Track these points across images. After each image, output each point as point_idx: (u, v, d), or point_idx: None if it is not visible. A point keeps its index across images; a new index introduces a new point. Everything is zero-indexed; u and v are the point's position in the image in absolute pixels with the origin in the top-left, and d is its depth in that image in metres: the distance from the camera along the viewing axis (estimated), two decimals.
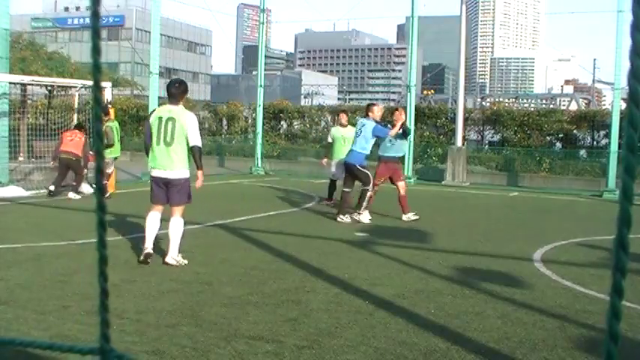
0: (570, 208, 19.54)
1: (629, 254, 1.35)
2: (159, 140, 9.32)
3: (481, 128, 34.56)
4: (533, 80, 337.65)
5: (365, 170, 14.38)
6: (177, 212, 9.52)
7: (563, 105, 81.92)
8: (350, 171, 14.60)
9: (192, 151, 9.37)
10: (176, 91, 9.43)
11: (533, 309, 7.41)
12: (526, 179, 28.66)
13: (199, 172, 9.76)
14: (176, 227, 9.42)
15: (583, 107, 68.16)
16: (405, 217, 15.04)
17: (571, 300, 7.92)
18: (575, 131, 32.72)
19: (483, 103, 66.08)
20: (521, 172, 29.38)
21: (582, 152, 32.21)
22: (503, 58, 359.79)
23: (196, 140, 9.36)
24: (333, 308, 7.22)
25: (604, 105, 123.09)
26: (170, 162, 9.35)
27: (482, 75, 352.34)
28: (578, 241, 12.73)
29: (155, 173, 9.50)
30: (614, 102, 25.84)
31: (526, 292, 8.21)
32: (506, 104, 62.87)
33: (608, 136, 27.61)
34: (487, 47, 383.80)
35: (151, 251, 9.35)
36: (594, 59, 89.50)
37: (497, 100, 66.87)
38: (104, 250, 1.39)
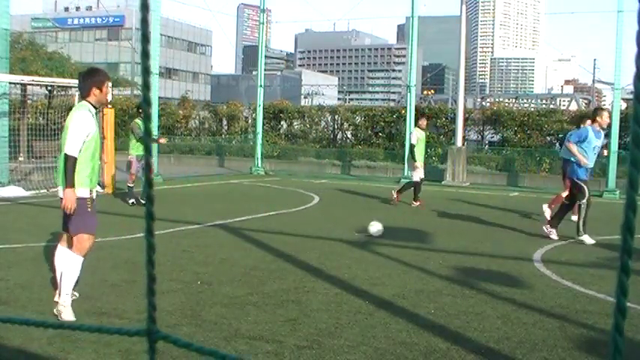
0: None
1: (634, 239, 1.39)
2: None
3: (481, 128, 34.55)
4: (533, 80, 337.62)
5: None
6: (73, 243, 7.06)
7: (564, 105, 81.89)
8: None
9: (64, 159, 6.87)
10: (81, 84, 7.22)
11: (533, 309, 7.41)
12: (526, 179, 28.67)
13: (66, 190, 6.81)
14: (63, 261, 7.04)
15: (583, 107, 68.13)
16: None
17: (571, 300, 7.92)
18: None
19: (483, 103, 66.01)
20: (522, 172, 29.39)
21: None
22: (503, 58, 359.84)
23: (69, 147, 6.82)
24: (333, 308, 7.22)
25: (604, 105, 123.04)
26: (58, 176, 7.16)
27: (482, 75, 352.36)
28: (577, 241, 12.72)
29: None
30: (614, 102, 25.86)
31: (526, 292, 8.21)
32: (506, 104, 62.85)
33: (608, 136, 27.60)
34: (487, 47, 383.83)
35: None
36: (594, 59, 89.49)
37: (497, 100, 66.78)
38: (152, 239, 1.43)
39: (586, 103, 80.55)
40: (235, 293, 7.76)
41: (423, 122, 18.77)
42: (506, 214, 17.54)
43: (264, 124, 31.45)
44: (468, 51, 43.32)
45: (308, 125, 36.37)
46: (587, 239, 12.41)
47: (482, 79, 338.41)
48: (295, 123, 36.73)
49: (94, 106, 7.15)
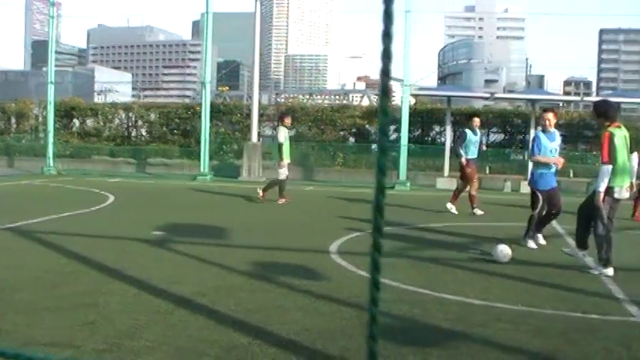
0: (362, 201, 20.15)
1: (383, 217, 1.52)
2: None
3: (276, 124, 34.96)
4: (326, 77, 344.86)
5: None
6: None
7: (356, 100, 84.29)
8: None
9: None
10: None
11: (331, 300, 7.59)
12: (321, 173, 29.33)
13: None
14: None
15: (375, 103, 70.47)
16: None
17: (366, 289, 8.16)
18: (367, 126, 33.79)
19: (278, 99, 66.93)
20: (317, 166, 30.03)
21: (374, 146, 33.32)
22: (297, 55, 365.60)
23: None
24: (131, 309, 7.08)
25: (394, 100, 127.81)
26: None
27: (276, 71, 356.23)
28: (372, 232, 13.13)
29: None
30: (403, 97, 26.87)
31: (324, 284, 8.40)
32: (301, 100, 64.00)
33: (398, 130, 28.70)
34: (282, 44, 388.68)
35: None
36: None
37: (291, 96, 67.87)
38: None
39: (377, 99, 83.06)
40: (29, 299, 7.44)
41: (289, 120, 19.85)
42: (302, 209, 17.86)
43: (55, 122, 30.36)
44: (262, 48, 43.76)
45: (101, 123, 35.48)
46: (531, 244, 12.24)
47: (276, 75, 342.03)
48: (88, 121, 35.74)
49: None
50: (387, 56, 1.76)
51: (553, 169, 12.28)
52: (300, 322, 6.73)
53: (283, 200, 18.45)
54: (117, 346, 5.87)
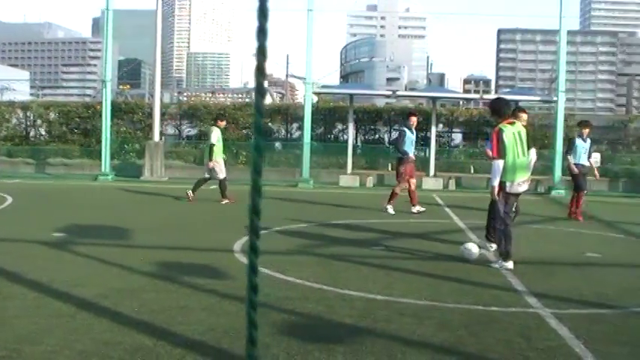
0: (268, 199, 20.13)
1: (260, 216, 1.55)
2: None
3: (178, 123, 34.73)
4: (229, 75, 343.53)
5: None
6: None
7: None
8: None
9: None
10: None
11: (236, 298, 7.56)
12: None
13: None
14: None
15: (277, 101, 70.52)
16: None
17: (272, 287, 8.18)
18: (270, 124, 33.83)
19: (180, 97, 66.34)
20: None
21: (277, 144, 33.43)
22: (199, 53, 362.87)
23: None
24: (32, 313, 6.91)
25: (297, 98, 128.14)
26: None
27: (179, 69, 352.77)
28: (277, 230, 13.18)
29: None
30: (305, 96, 26.99)
31: (228, 283, 8.38)
32: (203, 98, 63.54)
33: (301, 128, 28.83)
34: (184, 42, 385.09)
35: None
36: (287, 55, 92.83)
37: (194, 94, 67.40)
38: None
39: (280, 97, 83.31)
40: None
41: (223, 123, 19.84)
42: (206, 207, 17.76)
43: None
44: (164, 45, 43.31)
45: None
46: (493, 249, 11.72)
47: (179, 73, 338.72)
48: None
49: None
50: (262, 53, 1.76)
51: None
52: (205, 321, 6.70)
53: (226, 201, 18.28)
54: (17, 352, 5.73)
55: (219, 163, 18.60)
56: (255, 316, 1.46)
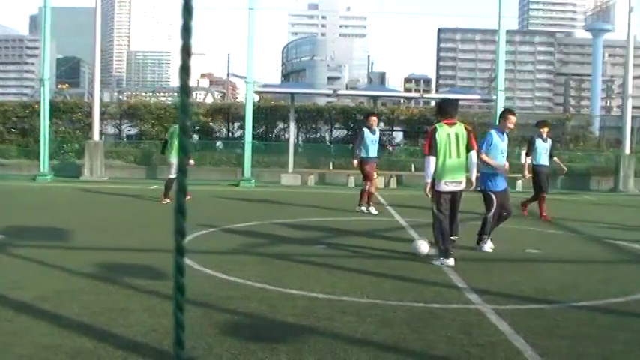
0: (209, 199, 20.08)
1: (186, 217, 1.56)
2: None
3: (118, 122, 34.39)
4: (169, 73, 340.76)
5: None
6: None
7: (200, 98, 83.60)
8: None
9: None
10: None
11: None
12: (165, 172, 28.92)
13: None
14: None
15: (218, 100, 70.18)
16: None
17: (214, 287, 8.15)
18: (211, 123, 33.71)
19: (120, 96, 65.60)
20: (160, 164, 29.63)
21: (219, 143, 33.32)
22: (140, 52, 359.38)
23: None
24: None
25: (238, 97, 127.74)
26: None
27: (119, 68, 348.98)
28: (219, 230, 13.14)
29: None
30: (247, 95, 26.94)
31: (169, 283, 8.23)
32: (144, 97, 62.98)
33: (242, 127, 28.76)
34: (124, 40, 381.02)
35: None
36: (228, 54, 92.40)
37: (134, 93, 66.73)
38: None
39: (221, 96, 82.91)
40: None
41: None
42: (146, 207, 17.61)
43: None
44: (104, 44, 42.89)
45: None
46: (487, 248, 11.79)
47: (119, 72, 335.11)
48: None
49: None
50: (186, 52, 1.75)
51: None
52: (146, 323, 6.64)
53: (167, 201, 18.08)
54: None
55: (174, 163, 18.40)
56: (182, 318, 1.46)
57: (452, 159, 10.34)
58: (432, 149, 10.30)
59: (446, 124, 10.46)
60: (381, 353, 5.91)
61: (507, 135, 12.20)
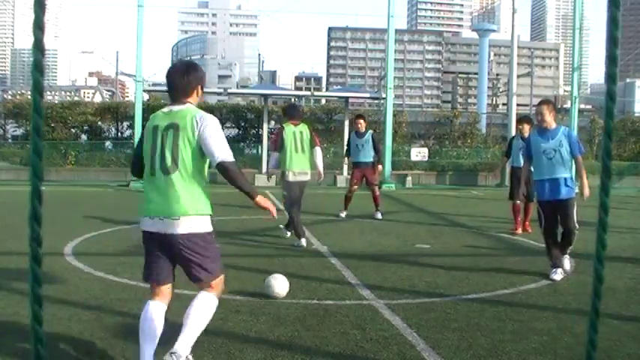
0: (98, 200, 19.75)
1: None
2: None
3: (3, 122, 33.42)
4: (56, 72, 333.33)
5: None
6: (208, 288, 5.50)
7: (88, 97, 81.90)
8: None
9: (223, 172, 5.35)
10: (182, 81, 5.31)
11: (67, 303, 7.34)
12: (52, 173, 28.29)
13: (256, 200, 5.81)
14: (203, 309, 5.48)
15: (107, 99, 68.95)
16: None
17: (105, 290, 8.00)
18: (100, 123, 33.12)
19: (5, 96, 63.72)
20: (47, 165, 28.92)
21: (108, 143, 32.75)
22: (25, 49, 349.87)
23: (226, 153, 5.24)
24: None
25: (128, 97, 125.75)
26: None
27: (2, 67, 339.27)
28: (108, 232, 12.92)
29: (147, 225, 5.42)
30: (136, 93, 26.54)
31: (59, 287, 8.11)
32: (30, 97, 61.41)
33: (132, 127, 28.33)
34: (7, 38, 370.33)
35: None
36: (117, 52, 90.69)
37: (19, 92, 64.92)
38: None
39: (110, 95, 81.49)
40: None
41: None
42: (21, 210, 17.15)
43: None
44: None
45: None
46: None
47: (2, 70, 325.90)
48: None
49: None
50: (38, 48, 1.69)
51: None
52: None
53: None
54: None
55: None
56: (41, 331, 1.40)
57: (298, 153, 11.98)
58: (278, 145, 12.05)
59: (292, 124, 12.13)
60: (276, 351, 5.91)
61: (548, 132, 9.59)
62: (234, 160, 5.28)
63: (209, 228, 5.55)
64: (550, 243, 9.50)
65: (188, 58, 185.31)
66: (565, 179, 9.37)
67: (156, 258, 5.41)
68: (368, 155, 16.30)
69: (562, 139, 9.43)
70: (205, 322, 5.42)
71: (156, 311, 5.40)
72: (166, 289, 5.48)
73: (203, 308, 5.40)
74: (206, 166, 5.32)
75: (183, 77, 5.27)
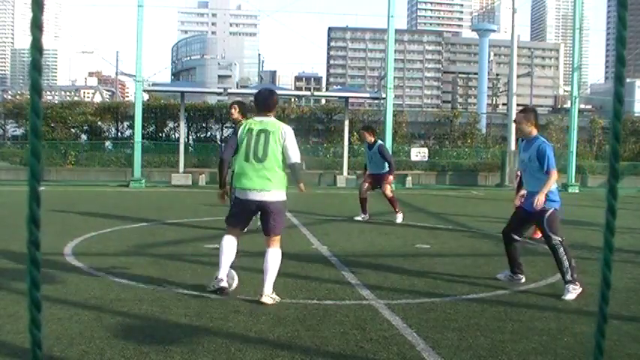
0: (99, 200, 19.73)
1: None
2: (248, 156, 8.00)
3: (3, 122, 33.42)
4: (56, 72, 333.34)
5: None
6: (273, 244, 8.03)
7: (88, 97, 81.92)
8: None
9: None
10: (268, 101, 8.29)
11: (67, 303, 7.34)
12: (52, 173, 28.30)
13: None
14: (275, 260, 7.94)
15: (107, 99, 68.96)
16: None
17: (105, 290, 8.00)
18: (100, 123, 33.11)
19: (5, 96, 63.73)
20: (48, 165, 28.92)
21: (108, 143, 32.75)
22: (25, 49, 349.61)
23: (297, 157, 8.13)
24: None
25: (127, 97, 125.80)
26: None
27: (2, 67, 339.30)
28: (109, 232, 12.92)
29: (241, 194, 8.04)
30: (136, 93, 26.53)
31: (59, 288, 8.11)
32: (29, 97, 61.38)
33: (131, 126, 28.33)
34: (7, 38, 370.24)
35: (226, 284, 7.99)
36: (117, 52, 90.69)
37: (19, 92, 64.92)
38: None
39: (110, 95, 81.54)
40: None
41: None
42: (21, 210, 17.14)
43: None
44: None
45: None
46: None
47: (2, 70, 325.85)
48: None
49: None
50: (36, 48, 1.67)
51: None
52: None
53: None
54: None
55: None
56: (39, 336, 1.38)
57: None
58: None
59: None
60: (276, 351, 5.91)
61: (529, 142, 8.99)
62: (300, 162, 8.16)
63: (285, 198, 8.06)
64: (505, 244, 9.51)
65: (188, 59, 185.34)
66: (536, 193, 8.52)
67: (241, 212, 8.13)
68: (380, 166, 16.07)
69: (533, 152, 8.68)
70: (277, 268, 7.88)
71: (232, 240, 8.11)
72: (237, 231, 8.22)
73: (275, 258, 7.88)
74: (283, 159, 7.92)
75: (268, 98, 8.23)
